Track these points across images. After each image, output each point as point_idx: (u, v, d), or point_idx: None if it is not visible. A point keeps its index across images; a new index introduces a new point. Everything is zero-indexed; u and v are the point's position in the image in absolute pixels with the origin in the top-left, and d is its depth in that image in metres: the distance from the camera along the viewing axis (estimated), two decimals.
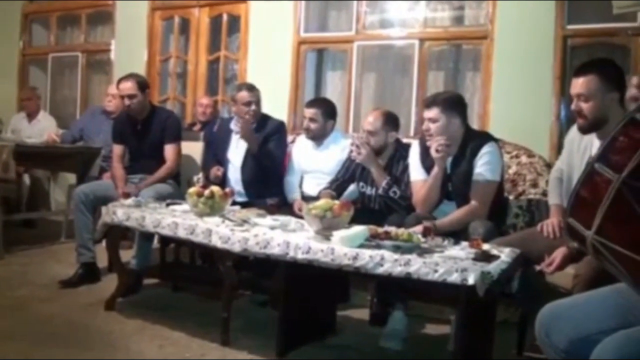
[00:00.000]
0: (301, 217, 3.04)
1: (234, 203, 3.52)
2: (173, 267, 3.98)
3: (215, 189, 3.23)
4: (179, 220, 3.07)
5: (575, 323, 1.68)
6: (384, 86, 5.46)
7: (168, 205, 3.48)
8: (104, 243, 3.64)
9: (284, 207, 3.70)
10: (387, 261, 2.43)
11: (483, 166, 3.07)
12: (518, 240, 2.86)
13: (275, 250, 2.70)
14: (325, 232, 2.73)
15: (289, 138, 4.59)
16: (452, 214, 3.09)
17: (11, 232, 5.02)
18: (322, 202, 2.87)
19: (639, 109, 1.41)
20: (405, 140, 3.79)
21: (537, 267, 2.59)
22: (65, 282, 3.80)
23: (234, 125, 4.17)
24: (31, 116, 6.10)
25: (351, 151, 3.62)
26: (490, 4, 4.65)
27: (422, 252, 2.50)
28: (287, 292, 2.90)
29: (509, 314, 3.24)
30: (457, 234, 2.92)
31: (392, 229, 2.66)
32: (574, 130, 2.88)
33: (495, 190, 3.14)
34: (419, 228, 2.83)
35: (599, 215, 1.37)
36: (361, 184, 3.67)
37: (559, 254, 2.54)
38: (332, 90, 5.62)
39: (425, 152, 3.23)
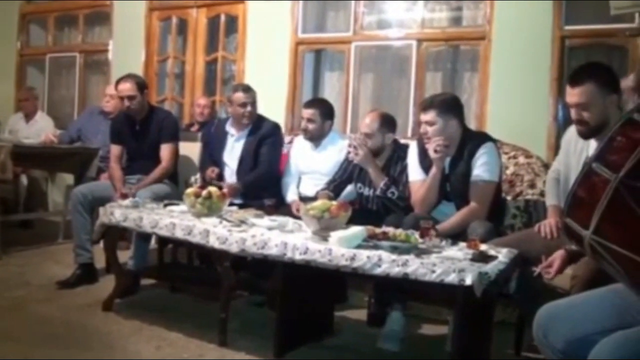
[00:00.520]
0: (299, 218, 3.03)
1: (232, 204, 3.52)
2: (171, 267, 3.97)
3: (212, 189, 3.23)
4: (177, 220, 3.06)
5: (572, 323, 1.68)
6: (381, 87, 5.46)
7: (166, 205, 3.48)
8: (101, 244, 3.64)
9: (282, 207, 3.70)
10: (385, 262, 2.43)
11: (481, 167, 3.07)
12: (516, 240, 2.86)
13: (272, 250, 2.70)
14: (322, 232, 2.73)
15: (287, 139, 4.59)
16: (452, 218, 3.09)
17: (8, 232, 5.01)
18: (319, 203, 2.87)
19: (636, 109, 1.41)
20: (403, 141, 3.79)
21: (536, 271, 2.59)
22: (63, 283, 3.79)
23: (229, 127, 4.17)
24: (29, 117, 6.09)
25: (349, 152, 3.62)
26: (488, 5, 4.65)
27: (420, 252, 2.50)
28: (285, 293, 2.90)
29: (506, 315, 3.24)
30: (456, 234, 2.92)
31: (390, 230, 2.67)
32: (571, 131, 2.88)
33: (494, 190, 3.15)
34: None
35: (596, 215, 1.37)
36: (359, 184, 3.67)
37: (557, 257, 2.53)
38: (330, 91, 5.63)
39: (423, 152, 3.24)
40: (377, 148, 3.54)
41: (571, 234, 1.48)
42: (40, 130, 5.84)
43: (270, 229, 2.92)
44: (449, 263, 2.36)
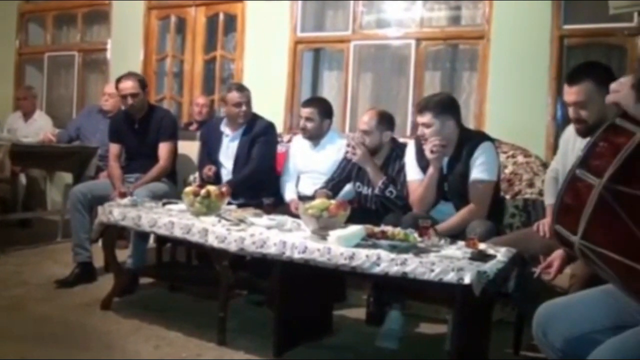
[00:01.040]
0: (298, 217, 3.03)
1: (230, 203, 3.52)
2: (169, 266, 3.97)
3: (211, 188, 3.22)
4: (175, 219, 3.06)
5: (571, 322, 1.68)
6: (380, 86, 5.46)
7: (164, 204, 3.48)
8: (100, 243, 3.63)
9: (281, 206, 3.70)
10: (384, 261, 2.43)
11: (480, 167, 3.07)
12: (514, 239, 2.86)
13: (271, 249, 2.69)
14: (321, 231, 2.73)
15: (286, 137, 4.59)
16: (452, 218, 3.10)
17: (7, 231, 5.03)
18: (318, 202, 2.87)
19: (619, 115, 1.41)
20: (401, 140, 3.79)
21: (536, 272, 2.59)
22: (61, 282, 3.79)
23: (224, 127, 4.16)
24: (27, 115, 6.08)
25: (347, 151, 3.63)
26: (486, 4, 4.65)
27: (419, 251, 2.50)
28: (284, 292, 2.90)
29: (505, 314, 3.24)
30: (458, 234, 2.92)
31: (389, 229, 2.66)
32: (569, 130, 2.88)
33: (492, 189, 3.15)
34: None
35: (583, 220, 1.38)
36: (357, 183, 3.67)
37: (556, 257, 2.54)
38: (329, 90, 5.63)
39: (420, 152, 3.24)
40: (375, 146, 3.54)
41: (561, 239, 1.49)
42: (38, 129, 5.84)
43: (269, 228, 2.92)
44: (448, 262, 2.36)
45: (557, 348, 1.68)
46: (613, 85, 1.48)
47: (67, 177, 5.24)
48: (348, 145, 3.57)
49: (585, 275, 2.27)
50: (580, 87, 2.55)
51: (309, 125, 3.99)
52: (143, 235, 3.71)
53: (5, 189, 5.51)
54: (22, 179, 5.75)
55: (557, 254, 2.53)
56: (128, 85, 4.09)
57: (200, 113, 5.57)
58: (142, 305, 3.51)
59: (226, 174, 4.13)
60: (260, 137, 4.06)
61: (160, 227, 3.08)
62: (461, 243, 2.66)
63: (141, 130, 4.19)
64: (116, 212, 3.26)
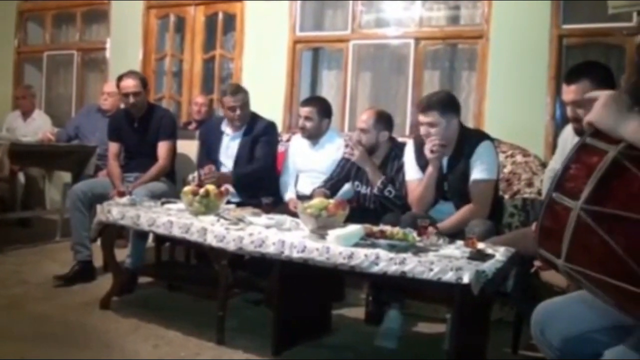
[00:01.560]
0: (296, 216, 3.03)
1: (229, 202, 3.52)
2: (168, 266, 3.97)
3: (210, 187, 3.22)
4: (174, 219, 3.06)
5: (569, 321, 1.68)
6: (379, 85, 5.46)
7: (163, 204, 3.48)
8: (99, 242, 3.63)
9: (279, 206, 3.70)
10: (382, 260, 2.43)
11: (480, 166, 3.07)
12: (513, 239, 2.86)
13: (270, 249, 2.70)
14: (320, 231, 2.73)
15: (285, 137, 4.58)
16: (453, 216, 3.10)
17: (6, 231, 5.02)
18: (317, 201, 2.87)
19: (589, 134, 1.41)
20: (400, 139, 3.79)
21: (535, 265, 2.59)
22: (61, 277, 3.78)
23: (225, 126, 4.16)
24: (26, 115, 6.08)
25: (345, 151, 3.63)
26: (485, 4, 4.65)
27: (417, 251, 2.50)
28: (282, 291, 2.90)
29: (504, 313, 3.25)
30: (454, 233, 2.92)
31: (387, 228, 2.66)
32: (567, 130, 2.89)
33: (493, 188, 3.16)
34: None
35: (565, 243, 1.38)
36: (356, 182, 3.67)
37: None
38: (328, 89, 5.63)
39: (419, 151, 3.23)
40: (372, 145, 3.54)
41: (547, 262, 1.49)
42: (37, 128, 5.84)
43: (267, 227, 2.92)
44: (447, 261, 2.36)
45: (555, 347, 1.68)
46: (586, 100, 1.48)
47: (66, 176, 5.24)
48: (347, 146, 3.57)
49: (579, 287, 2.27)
50: (578, 86, 2.55)
51: (308, 124, 3.99)
52: (142, 235, 3.71)
53: (4, 188, 5.51)
54: (21, 178, 5.75)
55: None
56: (130, 84, 4.09)
57: (199, 112, 5.57)
58: (141, 305, 3.51)
59: (226, 171, 4.12)
60: (262, 137, 4.06)
61: (159, 226, 3.08)
62: (460, 242, 2.66)
63: (141, 129, 4.19)
64: (115, 211, 3.26)
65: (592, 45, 4.48)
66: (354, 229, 2.63)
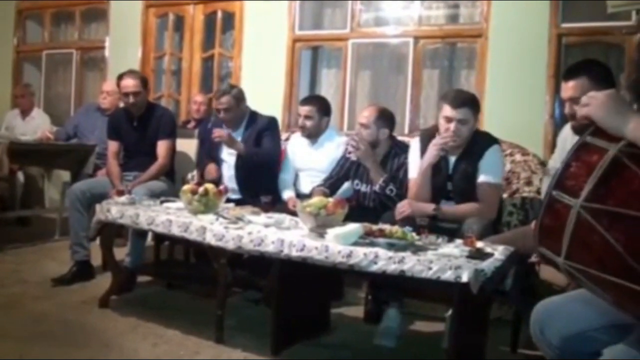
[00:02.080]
0: (296, 215, 3.03)
1: (228, 201, 3.52)
2: (167, 264, 3.97)
3: (209, 186, 3.22)
4: (173, 217, 3.06)
5: (568, 320, 1.68)
6: (378, 84, 5.46)
7: (162, 202, 3.48)
8: (98, 241, 3.63)
9: (278, 204, 3.69)
10: (381, 259, 2.43)
11: (489, 170, 3.08)
12: (512, 238, 2.86)
13: (269, 247, 2.69)
14: (319, 229, 2.72)
15: (284, 136, 4.58)
16: (458, 206, 3.11)
17: (5, 229, 5.02)
18: (316, 200, 2.86)
19: (589, 132, 1.41)
20: (399, 138, 3.79)
21: (533, 259, 2.59)
22: (58, 280, 3.78)
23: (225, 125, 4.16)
24: (25, 113, 6.07)
25: (346, 149, 3.63)
26: (485, 3, 4.65)
27: (416, 249, 2.50)
28: (281, 290, 2.90)
29: (503, 312, 3.24)
30: (452, 231, 2.92)
31: (387, 227, 2.66)
32: (566, 129, 2.89)
33: (501, 193, 3.16)
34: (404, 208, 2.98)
35: (565, 241, 1.38)
36: (356, 181, 3.67)
37: None
38: (327, 88, 5.63)
39: (426, 149, 3.20)
40: (372, 141, 3.54)
41: (547, 260, 1.49)
42: (36, 127, 5.83)
43: (266, 226, 2.91)
44: (446, 260, 2.35)
45: (555, 346, 1.68)
46: (583, 99, 1.47)
47: (65, 175, 5.23)
48: (351, 140, 3.57)
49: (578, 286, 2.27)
50: (575, 82, 2.56)
51: (308, 123, 3.99)
52: (141, 234, 3.71)
53: (3, 187, 5.50)
54: (20, 177, 5.73)
55: None
56: (130, 84, 4.09)
57: (198, 111, 5.57)
58: (139, 303, 3.50)
59: (227, 168, 4.12)
60: (266, 131, 4.05)
61: (158, 225, 3.08)
62: (459, 241, 2.66)
63: (140, 128, 4.19)
64: (114, 210, 3.25)
65: (591, 44, 4.48)
66: (353, 227, 2.62)
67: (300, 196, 3.78)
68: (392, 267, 2.40)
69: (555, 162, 2.99)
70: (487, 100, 4.57)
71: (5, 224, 5.24)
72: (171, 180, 4.25)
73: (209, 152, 4.27)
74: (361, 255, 2.47)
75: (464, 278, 2.25)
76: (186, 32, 6.24)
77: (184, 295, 3.75)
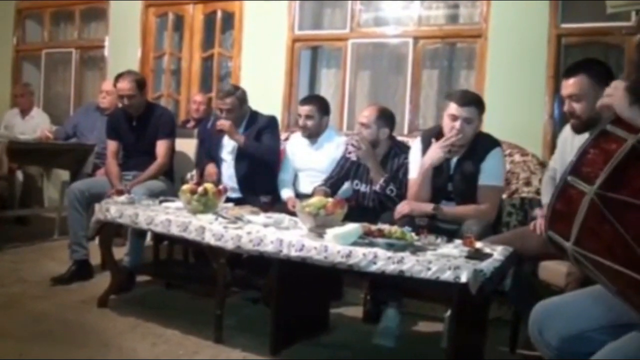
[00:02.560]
0: (295, 215, 3.03)
1: (228, 200, 3.52)
2: (166, 264, 3.97)
3: (208, 186, 3.22)
4: (172, 217, 3.06)
5: (567, 320, 1.68)
6: (378, 84, 5.46)
7: (161, 202, 3.48)
8: (96, 240, 3.63)
9: (278, 204, 3.70)
10: (381, 259, 2.43)
11: (490, 172, 3.08)
12: (511, 238, 2.87)
13: (268, 247, 2.69)
14: (318, 229, 2.73)
15: (283, 135, 4.58)
16: (459, 207, 3.11)
17: (4, 228, 5.02)
18: (315, 200, 2.87)
19: (610, 121, 1.42)
20: (399, 139, 3.79)
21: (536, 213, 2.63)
22: (58, 279, 3.78)
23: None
24: (24, 112, 6.06)
25: (346, 149, 3.63)
26: (484, 3, 4.65)
27: (415, 250, 2.50)
28: (281, 290, 2.90)
29: (502, 312, 3.24)
30: (452, 231, 2.92)
31: (386, 227, 2.66)
32: (566, 130, 2.89)
33: (501, 195, 3.17)
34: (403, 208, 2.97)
35: (575, 227, 1.39)
36: (355, 181, 3.67)
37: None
38: (326, 88, 5.62)
39: (427, 149, 3.20)
40: (372, 140, 3.54)
41: (555, 245, 1.49)
42: (36, 126, 5.82)
43: (266, 225, 2.92)
44: (445, 260, 2.36)
45: (553, 346, 1.68)
46: (608, 90, 1.48)
47: (64, 174, 5.23)
48: (352, 140, 3.56)
49: (582, 274, 2.28)
50: (575, 79, 2.59)
51: (309, 123, 3.99)
52: (140, 233, 3.71)
53: (3, 186, 5.49)
54: (19, 176, 5.73)
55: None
56: (125, 87, 4.09)
57: (197, 111, 5.57)
58: (138, 303, 3.51)
59: (227, 167, 4.13)
60: (266, 129, 4.05)
61: (157, 224, 3.08)
62: (458, 242, 2.66)
63: (139, 127, 4.19)
64: (113, 209, 3.25)
65: (590, 44, 4.47)
66: (352, 227, 2.63)
67: (299, 196, 3.78)
68: (391, 267, 2.41)
69: (556, 162, 3.00)
70: (487, 101, 4.46)
71: (4, 223, 5.23)
72: (170, 180, 4.25)
73: (208, 152, 4.28)
74: (360, 255, 2.47)
75: (463, 278, 2.25)
76: (186, 32, 6.24)
77: (183, 295, 3.75)
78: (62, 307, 3.37)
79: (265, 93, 5.20)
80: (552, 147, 4.13)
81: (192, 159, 4.55)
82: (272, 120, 4.15)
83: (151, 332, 3.06)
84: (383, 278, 2.52)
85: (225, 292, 3.07)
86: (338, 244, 2.54)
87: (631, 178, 1.33)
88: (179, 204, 3.33)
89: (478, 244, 2.57)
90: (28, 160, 5.24)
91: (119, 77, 4.18)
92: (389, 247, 2.49)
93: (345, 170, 3.71)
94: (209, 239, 2.87)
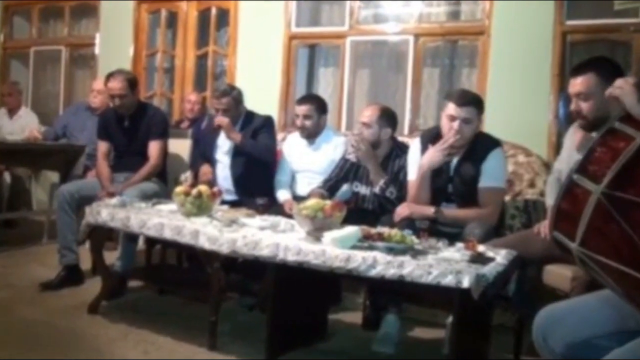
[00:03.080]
0: (292, 218, 3.03)
1: (223, 202, 3.52)
2: (159, 269, 3.96)
3: (203, 188, 3.22)
4: (166, 220, 3.06)
5: (572, 327, 1.68)
6: (377, 83, 5.47)
7: (154, 205, 3.48)
8: (87, 244, 3.63)
9: (274, 207, 3.70)
10: (380, 263, 2.43)
11: (492, 174, 3.09)
12: (515, 241, 2.87)
13: (264, 251, 2.69)
14: (316, 233, 2.73)
15: (280, 136, 4.59)
16: (459, 210, 3.11)
17: None
18: (313, 202, 2.86)
19: (618, 119, 1.42)
20: (399, 139, 3.79)
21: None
22: (47, 285, 3.77)
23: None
24: (12, 112, 6.06)
25: (346, 150, 3.63)
26: None
27: (416, 253, 2.50)
28: (277, 295, 2.90)
29: (505, 318, 3.24)
30: (453, 235, 2.93)
31: (385, 230, 2.67)
32: (573, 129, 2.90)
33: (503, 197, 3.17)
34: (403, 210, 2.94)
35: (581, 227, 1.39)
36: (355, 183, 3.67)
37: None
38: (325, 87, 5.63)
39: (426, 150, 3.21)
40: (374, 141, 3.54)
41: (560, 245, 1.50)
42: (24, 126, 5.81)
43: (262, 229, 2.92)
44: (446, 265, 2.36)
45: (558, 353, 1.68)
46: (618, 81, 1.49)
47: (54, 176, 5.24)
48: (352, 140, 3.57)
49: (587, 279, 2.28)
50: (583, 78, 2.60)
51: (308, 122, 3.99)
52: (132, 237, 3.71)
53: None
54: (7, 177, 5.72)
55: None
56: (116, 86, 4.08)
57: (191, 110, 5.57)
58: (130, 309, 3.50)
59: (222, 168, 4.13)
60: (262, 129, 4.07)
61: (149, 228, 3.08)
62: (460, 245, 2.66)
63: (131, 128, 4.19)
64: (104, 212, 3.25)
65: (597, 42, 4.49)
66: (351, 231, 2.63)
67: (297, 198, 3.79)
68: (391, 272, 2.41)
69: (561, 163, 3.00)
70: (489, 100, 4.57)
71: None
72: (163, 182, 4.24)
73: (203, 153, 4.28)
74: (359, 259, 2.47)
75: (465, 283, 2.25)
76: (179, 29, 6.24)
77: (176, 300, 3.75)
78: (52, 314, 3.36)
79: (262, 92, 5.21)
80: (556, 147, 4.14)
81: (186, 160, 4.55)
82: (268, 120, 4.16)
83: (143, 340, 3.06)
84: (383, 283, 2.52)
85: (220, 298, 3.06)
86: (336, 248, 2.54)
87: (639, 177, 1.33)
88: (172, 206, 3.33)
89: (480, 248, 2.56)
90: (16, 161, 5.23)
91: (109, 76, 4.18)
92: (389, 250, 2.49)
93: (344, 172, 3.71)
94: (203, 242, 2.87)
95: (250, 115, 4.14)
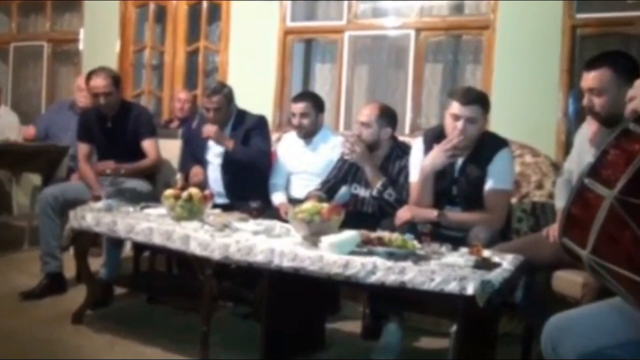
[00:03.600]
0: (287, 222, 3.03)
1: (215, 206, 3.52)
2: (147, 276, 3.97)
3: (193, 191, 3.22)
4: (154, 225, 3.06)
5: (584, 336, 1.68)
6: (377, 80, 5.48)
7: (142, 208, 3.47)
8: (71, 251, 3.62)
9: (269, 210, 3.70)
10: (380, 269, 2.43)
11: (498, 175, 3.09)
12: (522, 246, 2.88)
13: (258, 257, 2.69)
14: (313, 237, 2.73)
15: (275, 136, 4.59)
16: (464, 214, 3.12)
17: None
18: (309, 206, 2.87)
19: (633, 119, 1.42)
20: (400, 139, 3.79)
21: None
22: (28, 294, 3.76)
23: None
24: None
25: (343, 150, 3.63)
26: None
27: (418, 259, 2.51)
28: (272, 304, 2.90)
29: (512, 326, 3.25)
30: (458, 239, 2.93)
31: (386, 234, 2.67)
32: (584, 128, 2.90)
33: (510, 199, 3.18)
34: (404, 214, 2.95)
35: (592, 234, 1.38)
36: (354, 185, 3.67)
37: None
38: (321, 84, 5.64)
39: (429, 151, 3.21)
40: (372, 142, 3.54)
41: (570, 253, 1.49)
42: (3, 126, 5.79)
43: (255, 233, 2.92)
44: (449, 270, 2.36)
45: None
46: (630, 92, 1.48)
47: (36, 178, 5.22)
48: (346, 142, 3.57)
49: (599, 285, 2.28)
50: (597, 72, 2.60)
51: (305, 121, 3.99)
52: (115, 242, 3.70)
53: None
54: None
55: None
56: (99, 84, 4.07)
57: (181, 109, 5.57)
58: (117, 319, 3.50)
59: (213, 170, 4.14)
60: (255, 130, 4.07)
61: (137, 233, 3.08)
62: (464, 250, 2.67)
63: (114, 129, 4.18)
64: (89, 217, 3.25)
65: (608, 35, 4.48)
66: (350, 235, 2.63)
67: (292, 201, 3.79)
68: (392, 278, 2.41)
69: (572, 163, 3.01)
70: (495, 97, 4.55)
71: None
72: (152, 183, 4.24)
73: (193, 154, 4.28)
74: (358, 265, 2.47)
75: (470, 290, 2.26)
76: (169, 24, 6.24)
77: (165, 309, 3.75)
78: (33, 324, 3.36)
79: (255, 90, 5.22)
80: (566, 147, 4.15)
81: (175, 163, 4.54)
82: (261, 120, 4.15)
83: (130, 350, 3.06)
84: (383, 290, 2.53)
85: (212, 307, 3.06)
86: (334, 253, 2.54)
87: None
88: (161, 210, 3.33)
89: (486, 253, 2.57)
90: None
91: (91, 74, 4.16)
92: (390, 256, 2.49)
93: (343, 173, 3.71)
94: (194, 248, 2.87)
95: (242, 115, 4.14)
